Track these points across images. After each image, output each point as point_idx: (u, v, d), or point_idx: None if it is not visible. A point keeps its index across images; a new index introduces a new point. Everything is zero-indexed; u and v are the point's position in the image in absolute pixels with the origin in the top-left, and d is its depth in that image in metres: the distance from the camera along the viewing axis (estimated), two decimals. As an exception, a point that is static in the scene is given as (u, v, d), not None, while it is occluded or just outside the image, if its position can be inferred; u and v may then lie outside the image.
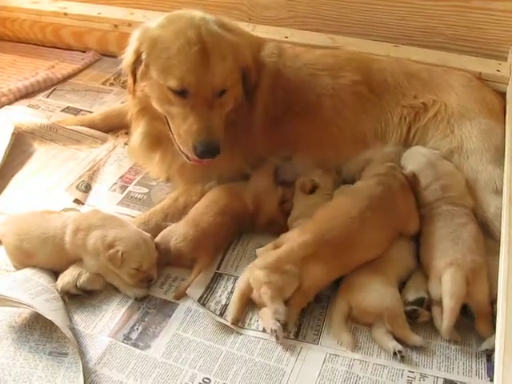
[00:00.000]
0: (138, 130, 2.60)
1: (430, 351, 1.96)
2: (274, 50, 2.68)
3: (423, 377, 1.88)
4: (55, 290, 2.11)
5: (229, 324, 2.05)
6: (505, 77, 2.81)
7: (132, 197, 2.66)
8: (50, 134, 3.02)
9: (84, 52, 3.89)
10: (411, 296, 2.07)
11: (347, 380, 1.87)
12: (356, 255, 2.13)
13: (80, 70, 3.72)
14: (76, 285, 2.12)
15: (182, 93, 2.25)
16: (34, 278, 2.12)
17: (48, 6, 3.83)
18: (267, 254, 2.12)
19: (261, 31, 3.19)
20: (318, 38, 3.19)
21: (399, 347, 1.92)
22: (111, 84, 3.58)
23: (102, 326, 2.06)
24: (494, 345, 1.76)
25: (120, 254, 2.07)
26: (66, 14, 3.76)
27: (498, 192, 2.28)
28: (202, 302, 2.12)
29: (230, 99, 2.40)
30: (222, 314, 2.09)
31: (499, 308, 1.79)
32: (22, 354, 1.94)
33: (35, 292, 2.02)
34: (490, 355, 1.92)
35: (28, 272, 2.17)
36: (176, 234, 2.27)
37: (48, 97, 3.44)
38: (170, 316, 2.10)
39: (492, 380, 1.80)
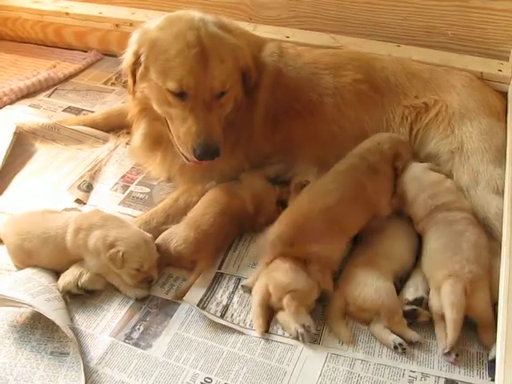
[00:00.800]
0: (138, 131, 2.61)
1: (431, 351, 1.96)
2: (275, 49, 2.67)
3: (424, 376, 1.88)
4: (56, 290, 2.11)
5: (229, 324, 2.05)
6: (506, 76, 2.81)
7: (133, 196, 2.66)
8: (51, 133, 3.02)
9: (85, 52, 3.89)
10: (411, 296, 2.07)
11: (349, 380, 1.87)
12: (342, 224, 2.20)
13: (81, 70, 3.73)
14: (77, 284, 2.12)
15: (180, 95, 2.25)
16: (35, 278, 2.12)
17: (49, 6, 3.84)
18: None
19: (262, 31, 3.19)
20: (320, 37, 3.18)
21: (399, 340, 1.93)
22: (113, 84, 3.58)
23: (104, 325, 2.06)
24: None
25: (121, 254, 2.07)
26: (67, 13, 3.76)
27: (499, 192, 2.28)
28: (202, 305, 2.12)
29: (230, 100, 2.40)
30: (222, 315, 2.09)
31: (500, 308, 1.79)
32: (23, 354, 1.94)
33: (36, 292, 2.03)
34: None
35: (29, 272, 2.17)
36: (176, 236, 2.26)
37: (49, 96, 3.45)
38: (172, 316, 2.10)
39: (493, 380, 1.80)
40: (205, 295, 2.16)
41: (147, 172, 2.73)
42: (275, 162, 2.64)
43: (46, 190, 2.70)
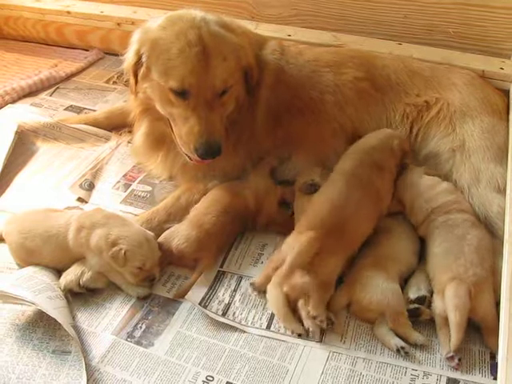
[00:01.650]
0: (140, 131, 2.61)
1: (433, 349, 1.96)
2: (277, 47, 2.68)
3: (426, 375, 1.88)
4: (58, 289, 2.11)
5: (231, 323, 2.06)
6: (508, 75, 2.80)
7: (135, 195, 2.66)
8: (53, 132, 3.02)
9: (87, 50, 3.89)
10: (413, 294, 2.07)
11: (350, 378, 1.88)
12: (351, 234, 2.16)
13: (83, 69, 3.73)
14: (79, 283, 2.12)
15: (182, 94, 2.25)
16: (37, 276, 2.12)
17: (51, 5, 3.83)
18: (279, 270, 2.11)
19: (264, 29, 3.20)
20: (321, 36, 3.19)
21: (402, 344, 1.93)
22: (114, 82, 3.58)
23: (106, 324, 2.06)
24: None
25: (123, 252, 2.08)
26: (69, 12, 3.76)
27: (501, 190, 2.28)
28: (204, 303, 2.12)
29: (231, 99, 2.40)
30: (224, 313, 2.09)
31: (503, 306, 1.79)
32: (25, 352, 1.94)
33: (38, 290, 2.03)
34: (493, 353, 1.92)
35: (31, 270, 2.17)
36: (179, 235, 2.27)
37: (51, 95, 3.45)
38: (174, 314, 2.11)
39: (496, 378, 1.80)
40: (207, 294, 2.16)
41: (149, 170, 2.73)
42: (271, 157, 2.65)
43: (48, 188, 2.70)
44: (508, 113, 2.59)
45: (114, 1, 3.78)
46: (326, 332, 2.02)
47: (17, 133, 2.92)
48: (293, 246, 2.09)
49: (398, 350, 1.92)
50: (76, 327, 2.02)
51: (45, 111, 3.24)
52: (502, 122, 2.52)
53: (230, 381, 1.87)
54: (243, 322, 2.07)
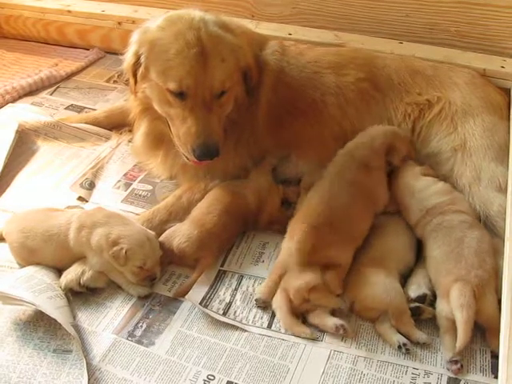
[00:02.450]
0: (140, 130, 2.61)
1: (434, 348, 1.96)
2: (277, 47, 2.67)
3: (427, 374, 1.88)
4: (59, 288, 2.11)
5: (232, 322, 2.06)
6: (509, 73, 2.80)
7: (136, 194, 2.66)
8: (53, 131, 3.02)
9: (87, 49, 3.90)
10: (413, 293, 2.07)
11: (351, 377, 1.87)
12: (350, 229, 2.18)
13: (83, 68, 3.73)
14: (79, 282, 2.12)
15: (180, 95, 2.25)
16: (38, 276, 2.12)
17: (51, 4, 3.83)
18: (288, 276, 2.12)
19: (264, 28, 3.20)
20: (323, 35, 3.18)
21: (404, 340, 1.93)
22: (115, 81, 3.58)
23: (107, 323, 2.06)
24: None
25: (124, 251, 2.07)
26: (69, 11, 3.76)
27: (502, 190, 2.28)
28: (205, 303, 2.12)
29: (230, 100, 2.39)
30: (225, 313, 2.09)
31: (503, 304, 1.79)
32: (26, 352, 1.94)
33: (39, 290, 2.03)
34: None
35: (32, 269, 2.17)
36: (180, 234, 2.27)
37: (52, 94, 3.45)
38: (175, 313, 2.10)
39: (496, 377, 1.80)
40: (207, 293, 2.16)
41: (149, 169, 2.73)
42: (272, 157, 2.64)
43: (49, 187, 2.70)
44: (509, 111, 2.58)
45: (115, 0, 3.77)
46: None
47: (17, 132, 2.92)
48: (289, 248, 2.12)
49: (399, 347, 1.92)
50: (77, 326, 2.02)
51: (45, 110, 3.24)
52: (503, 121, 2.52)
53: (231, 380, 1.87)
54: (244, 321, 2.07)
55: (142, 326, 2.05)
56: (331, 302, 2.03)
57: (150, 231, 2.23)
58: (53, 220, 2.24)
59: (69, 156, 2.92)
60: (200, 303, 2.11)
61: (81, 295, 2.15)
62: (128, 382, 1.86)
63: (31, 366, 1.89)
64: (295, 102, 2.60)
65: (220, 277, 2.25)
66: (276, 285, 2.11)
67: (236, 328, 2.05)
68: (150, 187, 2.69)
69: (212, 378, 1.87)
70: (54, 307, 1.99)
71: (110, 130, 3.08)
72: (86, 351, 1.93)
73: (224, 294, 2.17)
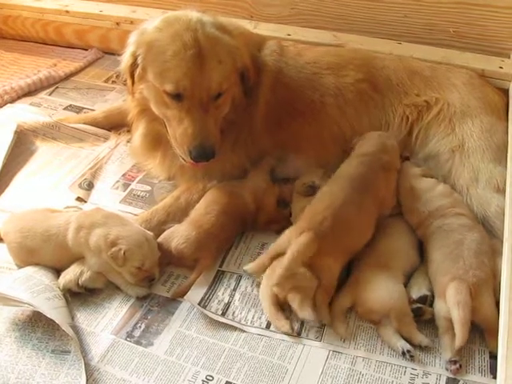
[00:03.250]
0: (138, 131, 2.61)
1: (433, 349, 1.95)
2: (276, 48, 2.67)
3: (426, 374, 1.88)
4: (57, 289, 2.11)
5: (231, 322, 2.06)
6: (508, 74, 2.81)
7: (134, 195, 2.66)
8: (52, 132, 3.02)
9: (86, 50, 3.89)
10: (414, 294, 2.07)
11: (350, 377, 1.87)
12: (353, 239, 2.16)
13: (82, 68, 3.73)
14: (78, 283, 2.12)
15: (177, 96, 2.25)
16: (36, 276, 2.12)
17: (50, 4, 3.83)
18: (275, 268, 2.10)
19: (263, 29, 3.20)
20: (321, 35, 3.18)
21: (408, 347, 1.91)
22: (113, 82, 3.58)
23: (105, 323, 2.06)
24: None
25: (122, 252, 2.07)
26: (67, 11, 3.76)
27: (500, 190, 2.28)
28: (203, 303, 2.12)
29: (227, 102, 2.39)
30: (224, 313, 2.09)
31: (502, 305, 1.79)
32: (24, 352, 1.94)
33: (37, 290, 2.03)
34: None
35: (30, 270, 2.17)
36: (178, 235, 2.26)
37: (50, 95, 3.45)
38: (173, 313, 2.10)
39: (495, 377, 1.80)
40: (206, 293, 2.16)
41: (148, 170, 2.73)
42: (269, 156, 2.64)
43: (47, 188, 2.70)
44: (507, 112, 2.59)
45: (113, 0, 3.77)
46: (325, 331, 2.02)
47: (16, 132, 2.92)
48: (290, 239, 2.10)
49: (403, 353, 1.91)
50: (75, 327, 2.02)
51: (44, 111, 3.24)
52: (501, 122, 2.53)
53: (230, 380, 1.87)
54: (243, 322, 2.07)
55: (140, 327, 2.05)
56: (302, 311, 2.01)
57: (149, 232, 2.23)
58: (51, 220, 2.24)
59: (67, 156, 2.92)
60: (199, 304, 2.11)
61: (79, 296, 2.14)
62: (127, 382, 1.86)
63: (30, 367, 1.89)
64: (294, 102, 2.60)
65: (219, 277, 2.25)
66: (266, 266, 2.13)
67: (235, 328, 2.05)
68: (148, 188, 2.69)
69: (211, 378, 1.87)
70: (53, 308, 1.99)
71: (109, 130, 3.08)
72: (84, 352, 1.93)
73: (223, 294, 2.17)
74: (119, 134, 3.05)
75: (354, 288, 2.07)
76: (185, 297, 2.13)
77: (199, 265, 2.23)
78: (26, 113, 3.15)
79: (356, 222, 2.17)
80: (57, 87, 3.52)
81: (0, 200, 2.61)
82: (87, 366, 1.88)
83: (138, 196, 2.65)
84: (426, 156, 2.55)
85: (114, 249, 2.08)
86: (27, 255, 2.22)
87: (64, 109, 3.30)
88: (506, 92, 2.73)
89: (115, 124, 3.10)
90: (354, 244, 2.17)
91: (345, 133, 2.61)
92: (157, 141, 2.57)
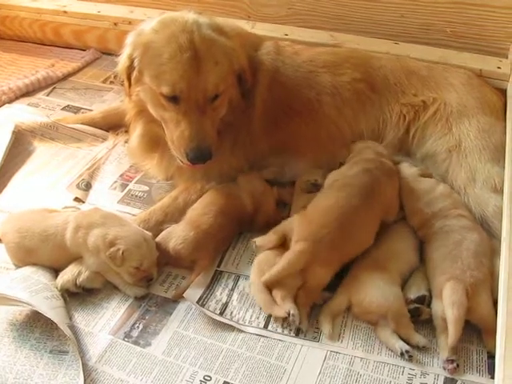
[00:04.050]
0: (135, 132, 2.61)
1: (431, 349, 1.95)
2: (272, 48, 2.67)
3: (424, 374, 1.88)
4: (55, 289, 2.11)
5: (229, 322, 2.06)
6: (505, 74, 2.81)
7: (132, 195, 2.65)
8: (50, 132, 3.02)
9: (84, 50, 3.89)
10: (413, 294, 2.07)
11: (348, 377, 1.87)
12: (352, 247, 2.15)
13: (80, 69, 3.73)
14: (76, 283, 2.12)
15: (173, 99, 2.24)
16: (34, 276, 2.12)
17: (48, 4, 3.83)
18: (262, 266, 2.14)
19: (260, 29, 3.20)
20: (318, 35, 3.18)
21: (406, 347, 1.92)
22: (111, 82, 3.58)
23: (103, 324, 2.06)
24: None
25: (121, 252, 2.07)
26: (65, 12, 3.76)
27: (497, 190, 2.28)
28: (202, 302, 2.12)
29: (224, 103, 2.39)
30: (222, 313, 2.09)
31: (500, 305, 1.79)
32: (22, 352, 1.94)
33: (35, 290, 2.03)
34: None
35: (28, 270, 2.17)
36: (176, 235, 2.26)
37: (48, 95, 3.45)
38: (171, 314, 2.10)
39: (493, 377, 1.80)
40: (204, 293, 2.16)
41: (146, 170, 2.73)
42: (272, 165, 2.64)
43: (45, 188, 2.69)
44: (505, 112, 2.59)
45: (111, 0, 3.78)
46: (322, 332, 2.02)
47: (14, 133, 2.92)
48: (292, 227, 2.15)
49: (402, 354, 1.91)
50: (73, 327, 2.02)
51: (42, 111, 3.24)
52: (498, 122, 2.52)
53: (228, 380, 1.87)
54: (241, 322, 2.07)
55: (138, 327, 2.05)
56: (284, 304, 2.02)
57: (147, 232, 2.23)
58: (49, 220, 2.24)
59: (65, 157, 2.92)
60: (197, 303, 2.11)
61: (77, 296, 2.14)
62: (124, 382, 1.86)
63: (28, 367, 1.89)
64: (290, 101, 2.59)
65: (216, 277, 2.25)
66: (272, 243, 2.19)
67: (232, 328, 2.05)
68: (146, 188, 2.69)
69: (208, 378, 1.87)
70: (50, 308, 1.99)
71: (107, 130, 3.08)
72: (82, 352, 1.93)
73: (221, 294, 2.17)
74: (117, 134, 3.05)
75: (351, 289, 2.07)
76: (184, 294, 2.13)
77: (197, 265, 2.23)
78: (24, 113, 3.15)
79: (359, 233, 2.16)
80: (55, 87, 3.52)
81: (-2, 200, 2.61)
82: (85, 366, 1.88)
83: (136, 196, 2.65)
84: (423, 156, 2.55)
85: (112, 249, 2.08)
86: (25, 255, 2.22)
87: (62, 109, 3.30)
88: (503, 92, 2.73)
89: (113, 124, 3.09)
90: (352, 253, 2.16)
91: (342, 132, 2.61)
92: (154, 142, 2.57)
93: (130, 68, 2.34)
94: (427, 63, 2.76)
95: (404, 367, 1.90)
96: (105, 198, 2.65)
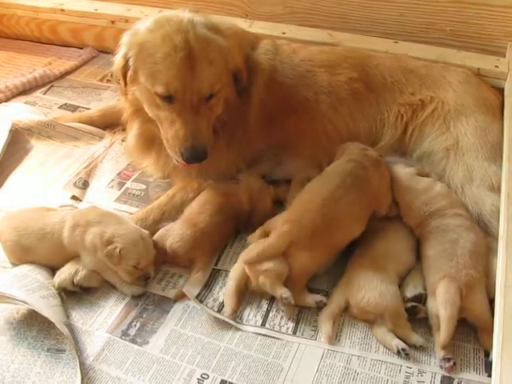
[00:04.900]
0: (132, 132, 2.62)
1: (428, 347, 1.96)
2: (270, 47, 2.67)
3: (421, 372, 1.88)
4: (52, 287, 2.11)
5: (227, 319, 2.06)
6: (503, 72, 2.81)
7: (129, 193, 2.65)
8: (47, 130, 3.02)
9: (81, 48, 3.89)
10: (410, 292, 2.07)
11: (345, 376, 1.88)
12: (337, 235, 2.16)
13: (77, 67, 3.72)
14: (73, 281, 2.12)
15: (168, 98, 2.24)
16: (31, 275, 2.12)
17: (45, 3, 3.83)
18: (251, 248, 2.16)
19: (258, 27, 3.20)
20: (316, 34, 3.18)
21: (403, 345, 1.92)
22: (108, 80, 3.57)
23: (100, 322, 2.06)
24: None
25: (118, 250, 2.07)
26: (62, 10, 3.76)
27: (494, 189, 2.28)
28: (200, 299, 2.13)
29: (219, 103, 2.38)
30: (219, 311, 2.09)
31: (497, 303, 1.79)
32: (20, 351, 1.94)
33: (32, 288, 2.03)
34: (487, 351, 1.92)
35: (25, 268, 2.17)
36: (173, 234, 2.27)
37: (45, 93, 3.44)
38: (168, 312, 2.10)
39: (490, 376, 1.80)
40: (201, 291, 2.16)
41: (143, 168, 2.73)
42: (267, 159, 2.64)
43: (42, 187, 2.69)
44: (503, 111, 2.59)
45: (108, -1, 3.77)
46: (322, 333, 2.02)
47: (11, 131, 2.91)
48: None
49: (398, 352, 1.92)
50: (70, 325, 2.02)
51: (39, 109, 3.23)
52: (496, 121, 2.52)
53: (225, 379, 1.87)
54: (238, 320, 2.06)
55: (135, 325, 2.05)
56: (275, 290, 2.05)
57: (144, 230, 2.23)
58: (47, 219, 2.23)
59: (62, 155, 2.91)
60: (195, 298, 2.12)
61: (74, 294, 2.14)
62: (122, 380, 1.86)
63: (25, 366, 1.89)
64: (288, 100, 2.59)
65: (214, 276, 2.25)
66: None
67: (230, 327, 2.05)
68: (143, 186, 2.69)
69: (206, 376, 1.87)
70: (47, 306, 1.98)
71: (104, 129, 3.08)
72: (79, 350, 1.93)
73: (218, 292, 2.17)
74: (114, 132, 3.05)
75: (348, 288, 2.07)
76: (183, 289, 2.14)
77: (196, 264, 2.23)
78: (21, 111, 3.14)
79: (344, 219, 2.17)
80: (52, 86, 3.52)
81: (-5, 199, 2.60)
82: (82, 364, 1.88)
83: (133, 195, 2.65)
84: (421, 155, 2.55)
85: (109, 247, 2.08)
86: (22, 253, 2.21)
87: (59, 107, 3.30)
88: (501, 91, 2.73)
89: (110, 123, 3.09)
90: (339, 240, 2.18)
91: (339, 131, 2.61)
92: (151, 141, 2.57)
93: (125, 67, 2.33)
94: (425, 62, 2.76)
95: (401, 365, 1.90)
96: (102, 196, 2.64)
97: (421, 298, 2.05)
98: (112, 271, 2.15)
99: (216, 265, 2.30)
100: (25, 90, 3.44)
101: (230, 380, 1.86)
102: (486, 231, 2.23)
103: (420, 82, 2.64)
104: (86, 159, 2.87)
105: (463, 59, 2.88)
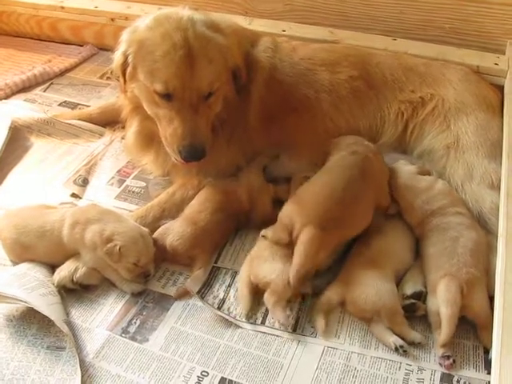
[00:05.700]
0: (131, 129, 2.61)
1: (427, 344, 1.96)
2: (269, 44, 2.66)
3: (421, 370, 1.88)
4: (52, 285, 2.11)
5: (227, 317, 2.06)
6: (503, 70, 2.81)
7: (129, 191, 2.65)
8: (47, 128, 3.02)
9: (81, 46, 3.88)
10: (409, 290, 2.07)
11: (345, 373, 1.88)
12: (350, 230, 2.17)
13: (77, 64, 3.71)
14: (73, 279, 2.12)
15: (167, 96, 2.24)
16: (31, 273, 2.12)
17: (45, 0, 3.82)
18: (253, 258, 2.16)
19: (258, 25, 3.19)
20: (316, 31, 3.18)
21: (400, 342, 1.92)
22: (108, 78, 3.56)
23: (100, 319, 2.06)
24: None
25: (118, 248, 2.07)
26: (62, 7, 3.75)
27: (494, 187, 2.28)
28: (200, 296, 2.13)
29: (218, 101, 2.38)
30: (219, 308, 2.09)
31: (496, 301, 1.80)
32: (19, 348, 1.94)
33: (31, 287, 2.03)
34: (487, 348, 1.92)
35: (25, 266, 2.17)
36: (173, 231, 2.27)
37: (45, 91, 3.44)
38: (168, 310, 2.10)
39: (489, 373, 1.80)
40: (201, 289, 2.16)
41: (143, 166, 2.73)
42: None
43: (42, 184, 2.69)
44: (502, 108, 2.59)
45: (108, -4, 3.77)
46: (316, 328, 2.02)
47: (10, 128, 2.91)
48: (291, 217, 2.13)
49: (396, 349, 1.92)
50: (70, 323, 2.02)
51: (39, 107, 3.23)
52: (496, 118, 2.52)
53: (225, 376, 1.87)
54: (238, 317, 2.07)
55: (135, 323, 2.05)
56: (274, 313, 2.03)
57: (144, 228, 2.23)
58: (46, 216, 2.23)
59: (62, 152, 2.91)
60: (197, 294, 2.12)
61: (74, 292, 2.14)
62: (122, 378, 1.86)
63: (25, 363, 1.89)
64: (288, 98, 2.59)
65: (214, 273, 2.25)
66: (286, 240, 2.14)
67: (230, 324, 2.05)
68: (143, 184, 2.69)
69: (206, 374, 1.87)
70: (47, 304, 1.98)
71: (104, 126, 3.08)
72: (79, 348, 1.93)
73: (218, 290, 2.17)
74: (114, 130, 3.05)
75: (344, 285, 2.07)
76: (186, 285, 2.15)
77: (196, 262, 2.23)
78: (21, 109, 3.14)
79: (358, 213, 2.18)
80: (52, 83, 3.51)
81: (-5, 196, 2.60)
82: (82, 362, 1.88)
83: (133, 192, 2.64)
84: (421, 152, 2.55)
85: (109, 245, 2.08)
86: (22, 251, 2.21)
87: (59, 105, 3.29)
88: (501, 88, 2.73)
89: (110, 120, 3.08)
90: (349, 234, 2.18)
91: (340, 128, 2.60)
92: (150, 138, 2.57)
93: (124, 65, 2.33)
94: (425, 59, 2.76)
95: (401, 363, 1.90)
96: (102, 193, 2.64)
97: (420, 296, 2.05)
98: (112, 269, 2.15)
99: (216, 262, 2.30)
100: (24, 88, 3.43)
101: (229, 377, 1.87)
102: (485, 228, 2.23)
103: (420, 79, 2.64)
104: (86, 157, 2.87)
105: (462, 57, 2.88)
